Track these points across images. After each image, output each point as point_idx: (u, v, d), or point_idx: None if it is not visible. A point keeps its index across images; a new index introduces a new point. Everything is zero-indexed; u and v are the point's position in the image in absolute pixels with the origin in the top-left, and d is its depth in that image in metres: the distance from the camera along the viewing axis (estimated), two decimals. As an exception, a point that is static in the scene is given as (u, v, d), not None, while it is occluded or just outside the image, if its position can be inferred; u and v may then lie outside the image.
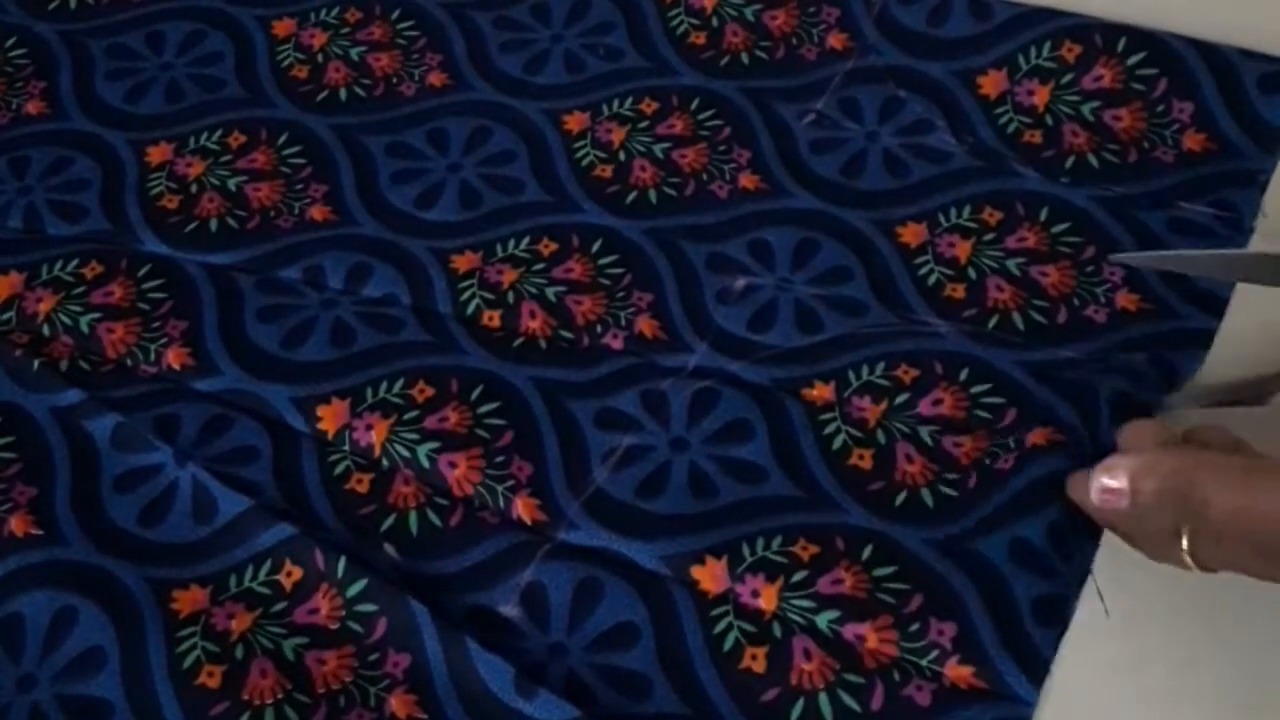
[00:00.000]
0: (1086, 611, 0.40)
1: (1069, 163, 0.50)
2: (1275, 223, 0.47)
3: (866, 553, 0.41)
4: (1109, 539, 0.40)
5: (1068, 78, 0.51)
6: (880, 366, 0.45)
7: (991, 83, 0.52)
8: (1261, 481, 0.33)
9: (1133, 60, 0.51)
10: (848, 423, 0.44)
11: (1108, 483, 0.36)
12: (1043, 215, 0.48)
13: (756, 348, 0.46)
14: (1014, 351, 0.45)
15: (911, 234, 0.48)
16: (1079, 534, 0.41)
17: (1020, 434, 0.43)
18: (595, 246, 0.49)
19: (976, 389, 0.44)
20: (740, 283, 0.48)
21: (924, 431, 0.44)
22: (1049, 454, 0.42)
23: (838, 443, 0.44)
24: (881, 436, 0.44)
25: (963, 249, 0.48)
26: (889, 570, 0.41)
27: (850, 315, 0.47)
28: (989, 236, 0.48)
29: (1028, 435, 0.43)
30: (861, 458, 0.44)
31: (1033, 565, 0.40)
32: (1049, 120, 0.51)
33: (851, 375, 0.45)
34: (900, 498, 0.43)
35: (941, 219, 0.49)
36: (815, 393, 0.45)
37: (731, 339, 0.47)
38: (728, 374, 0.46)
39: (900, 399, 0.44)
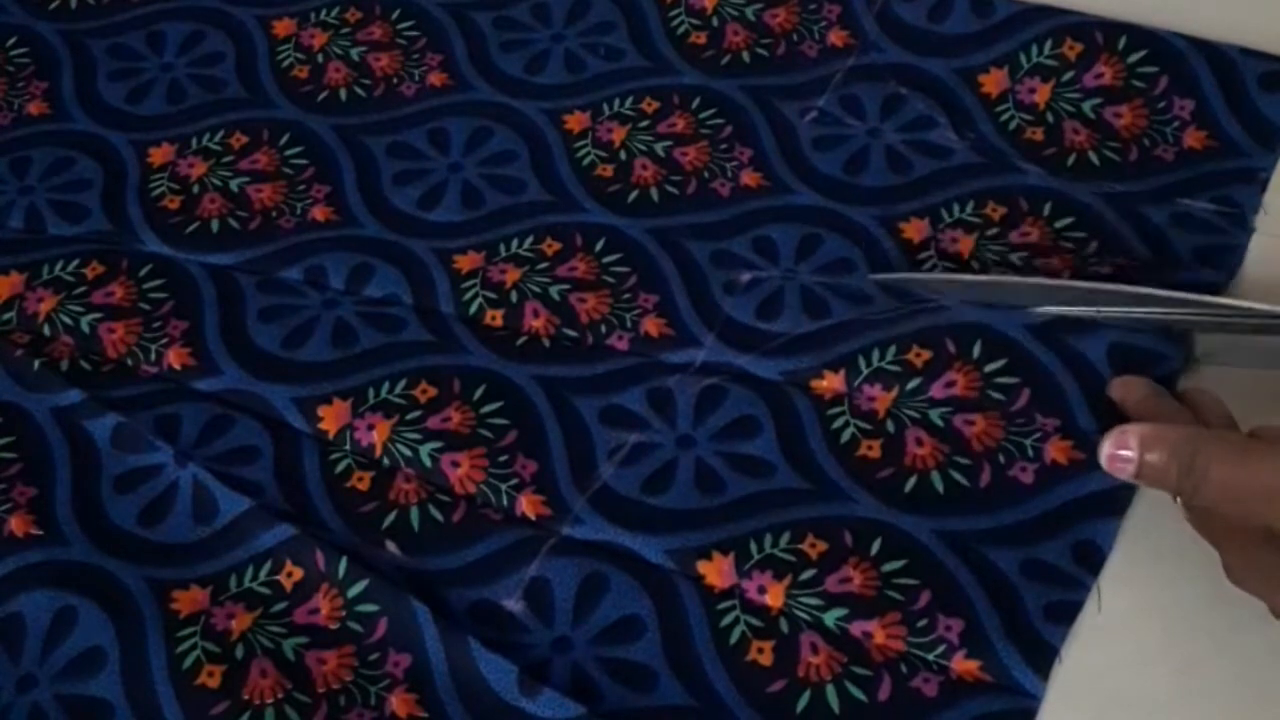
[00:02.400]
0: (1088, 610, 0.40)
1: (1070, 160, 0.50)
2: (1276, 221, 0.47)
3: (875, 547, 0.41)
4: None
5: (1069, 75, 0.51)
6: (891, 351, 0.45)
7: (993, 81, 0.52)
8: (1258, 458, 0.35)
9: (1133, 58, 0.51)
10: (857, 415, 0.44)
11: (1116, 451, 0.37)
12: (1046, 210, 0.48)
13: (765, 336, 0.46)
14: (1021, 314, 0.45)
15: (914, 229, 0.48)
16: (1098, 554, 0.41)
17: (1037, 436, 0.43)
18: (599, 245, 0.49)
19: (990, 367, 0.44)
20: (746, 276, 0.48)
21: (935, 414, 0.44)
22: (1071, 476, 0.42)
23: (846, 436, 0.44)
24: (891, 426, 0.44)
25: (965, 244, 0.48)
26: (898, 565, 0.41)
27: (857, 303, 0.46)
28: (992, 231, 0.48)
29: (1046, 445, 0.42)
30: (870, 448, 0.43)
31: (1047, 578, 0.40)
32: (1050, 118, 0.51)
33: (862, 362, 0.45)
34: (910, 483, 0.42)
35: (944, 214, 0.49)
36: (825, 384, 0.45)
37: (739, 328, 0.46)
38: (735, 369, 0.46)
39: (912, 384, 0.44)
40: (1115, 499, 0.41)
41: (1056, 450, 0.42)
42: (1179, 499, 0.37)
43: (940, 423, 0.43)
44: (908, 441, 0.43)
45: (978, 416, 0.43)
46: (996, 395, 0.43)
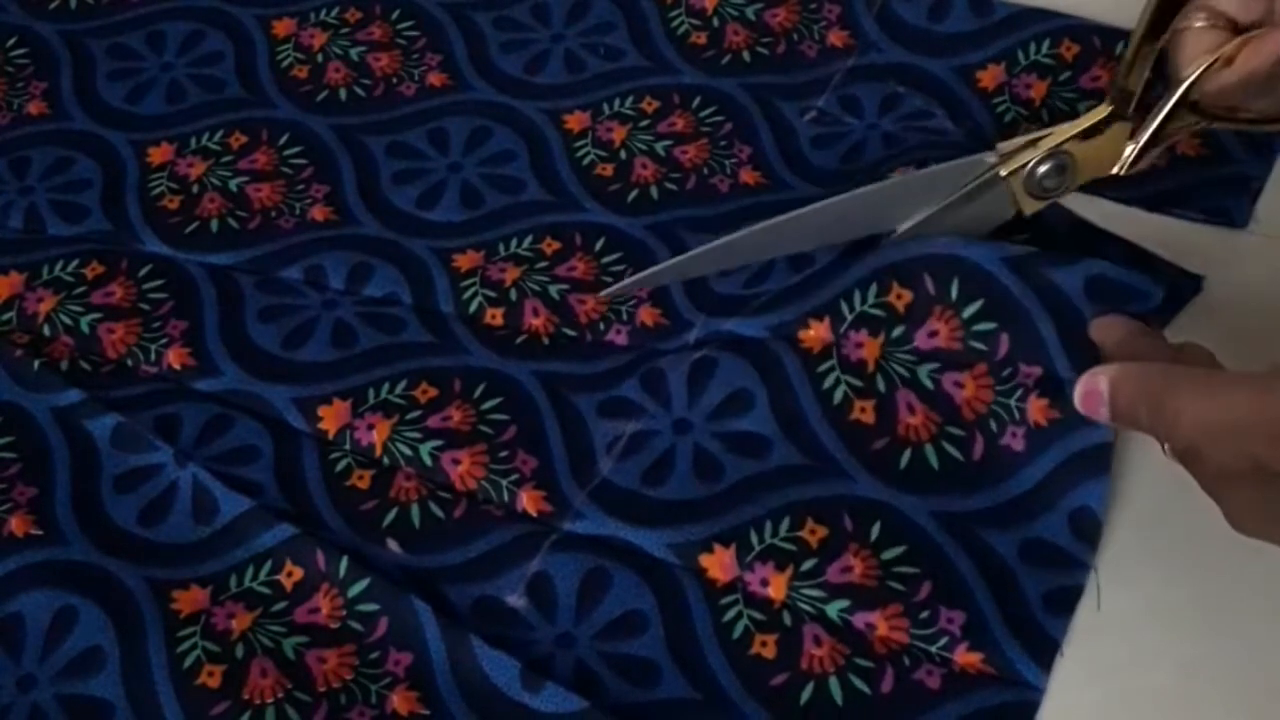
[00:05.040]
0: (1089, 608, 0.40)
1: None
2: (1267, 226, 0.47)
3: (875, 531, 0.41)
4: (1113, 536, 0.41)
5: (1065, 75, 0.52)
6: (872, 291, 0.44)
7: (989, 75, 0.52)
8: (1230, 393, 0.33)
9: None
10: (846, 369, 0.44)
11: (1088, 390, 0.36)
12: None
13: (752, 299, 0.46)
14: (996, 246, 0.44)
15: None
16: (1092, 519, 0.41)
17: (1020, 394, 0.42)
18: (598, 245, 0.49)
19: (968, 311, 0.43)
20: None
21: (923, 373, 0.43)
22: (1053, 438, 0.41)
23: (838, 396, 0.44)
24: (881, 383, 0.43)
25: None
26: (898, 552, 0.41)
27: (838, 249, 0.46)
28: None
29: (1028, 404, 0.42)
30: (863, 410, 0.43)
31: (1046, 561, 0.40)
32: (1045, 116, 0.51)
33: (844, 306, 0.44)
34: (905, 458, 0.42)
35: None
36: (812, 333, 0.44)
37: (730, 300, 0.46)
38: (724, 334, 0.45)
39: (896, 331, 0.44)
40: (1098, 457, 0.41)
41: (1036, 410, 0.42)
42: (1166, 449, 0.35)
43: (930, 384, 0.43)
44: (899, 407, 0.43)
45: (966, 378, 0.43)
46: (978, 345, 0.43)
